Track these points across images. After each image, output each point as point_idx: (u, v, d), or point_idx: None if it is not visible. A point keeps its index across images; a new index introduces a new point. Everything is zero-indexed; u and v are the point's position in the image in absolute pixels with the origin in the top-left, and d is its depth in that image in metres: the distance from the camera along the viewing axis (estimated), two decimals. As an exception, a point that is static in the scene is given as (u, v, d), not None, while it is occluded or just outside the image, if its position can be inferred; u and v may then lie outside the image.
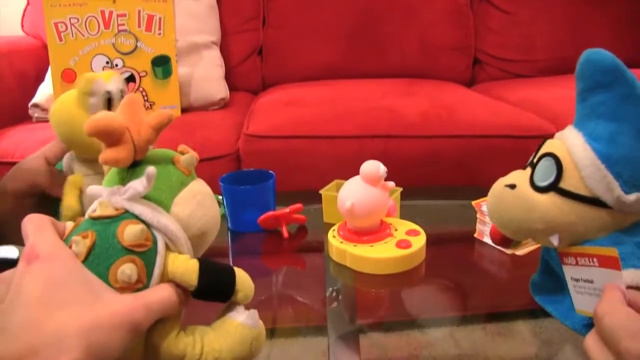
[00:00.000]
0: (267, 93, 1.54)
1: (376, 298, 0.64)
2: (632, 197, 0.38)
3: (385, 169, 0.65)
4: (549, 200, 0.41)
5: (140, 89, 1.32)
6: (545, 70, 1.66)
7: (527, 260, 0.64)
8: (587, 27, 1.66)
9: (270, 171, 0.80)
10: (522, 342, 0.52)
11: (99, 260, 0.33)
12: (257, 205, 0.76)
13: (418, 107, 1.22)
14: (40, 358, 0.28)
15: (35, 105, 1.32)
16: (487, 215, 0.68)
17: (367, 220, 0.66)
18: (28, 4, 1.63)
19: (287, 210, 0.74)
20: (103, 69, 1.31)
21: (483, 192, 0.71)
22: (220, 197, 0.77)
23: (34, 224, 0.34)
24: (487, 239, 0.69)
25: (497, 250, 0.67)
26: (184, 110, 1.35)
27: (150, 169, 0.34)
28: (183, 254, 0.37)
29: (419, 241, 0.65)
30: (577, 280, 0.40)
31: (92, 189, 0.37)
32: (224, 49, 1.56)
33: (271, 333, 0.53)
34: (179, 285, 0.35)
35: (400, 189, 0.77)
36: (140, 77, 1.32)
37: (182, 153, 0.39)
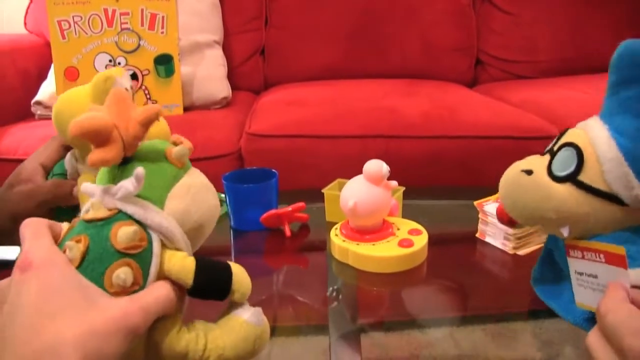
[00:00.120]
0: (269, 92, 1.54)
1: (377, 297, 0.64)
2: None
3: (388, 168, 0.65)
4: (566, 190, 0.40)
5: (143, 87, 1.32)
6: (547, 72, 1.66)
7: (529, 261, 0.63)
8: (589, 28, 1.66)
9: (273, 170, 0.80)
10: (523, 342, 0.52)
11: (93, 265, 0.32)
12: (259, 203, 0.76)
13: (420, 107, 1.22)
14: None
15: (38, 103, 1.32)
16: (489, 215, 0.68)
17: (370, 219, 0.67)
18: (31, 1, 1.62)
19: (289, 208, 0.74)
20: (106, 67, 1.31)
21: (485, 193, 0.72)
22: (222, 195, 0.77)
23: (32, 231, 0.34)
24: (489, 239, 0.69)
25: (499, 251, 0.67)
26: (186, 109, 1.35)
27: (139, 170, 0.33)
28: (180, 250, 0.36)
29: (421, 240, 0.65)
30: (580, 273, 0.40)
31: (85, 187, 0.36)
32: (227, 48, 1.56)
33: (272, 331, 0.53)
34: (174, 283, 0.35)
35: (402, 188, 0.77)
36: (142, 75, 1.32)
37: (176, 143, 0.38)
